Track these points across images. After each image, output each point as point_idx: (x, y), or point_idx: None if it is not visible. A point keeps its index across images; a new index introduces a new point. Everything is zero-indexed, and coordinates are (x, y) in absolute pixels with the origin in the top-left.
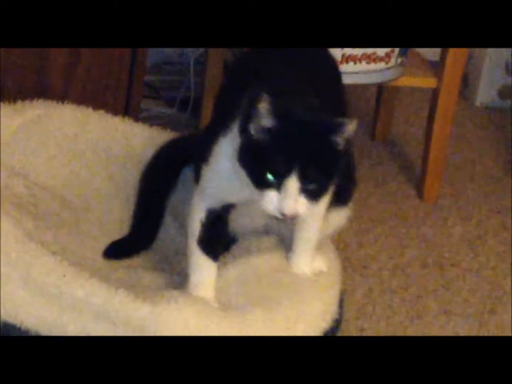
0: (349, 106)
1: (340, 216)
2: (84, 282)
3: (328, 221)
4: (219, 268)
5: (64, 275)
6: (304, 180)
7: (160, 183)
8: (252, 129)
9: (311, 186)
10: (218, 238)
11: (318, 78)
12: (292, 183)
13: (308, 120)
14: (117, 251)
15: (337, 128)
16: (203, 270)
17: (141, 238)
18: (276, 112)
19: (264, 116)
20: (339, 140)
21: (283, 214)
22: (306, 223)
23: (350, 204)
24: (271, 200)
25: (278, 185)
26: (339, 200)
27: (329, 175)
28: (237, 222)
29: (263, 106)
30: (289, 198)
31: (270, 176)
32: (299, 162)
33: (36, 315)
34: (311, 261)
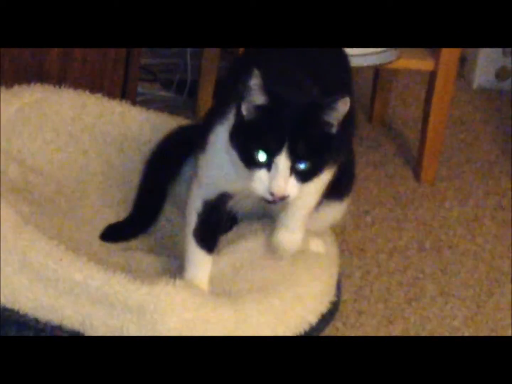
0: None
1: (336, 210)
2: (82, 266)
3: (323, 215)
4: (214, 256)
5: (61, 259)
6: (295, 158)
7: (163, 170)
8: (244, 108)
9: (302, 166)
10: (214, 230)
11: (324, 67)
12: (282, 161)
13: (299, 98)
14: (114, 234)
15: (328, 106)
16: (198, 263)
17: (139, 221)
18: (267, 88)
19: (255, 93)
20: (332, 120)
21: (272, 194)
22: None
23: (347, 199)
24: (260, 180)
25: (268, 165)
26: (336, 194)
27: (321, 156)
28: (238, 205)
29: (254, 82)
30: (278, 177)
31: (260, 155)
32: (289, 139)
33: (33, 299)
34: (296, 238)
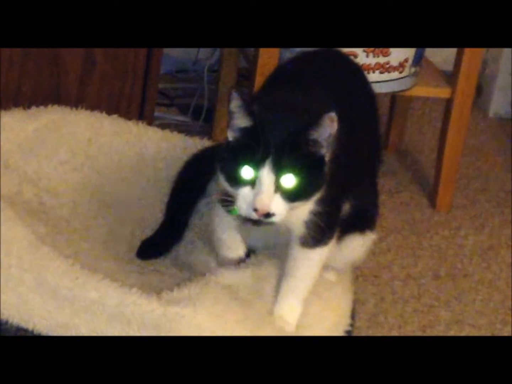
0: None
1: (358, 244)
2: (98, 284)
3: (342, 250)
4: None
5: (77, 278)
6: (278, 172)
7: (191, 186)
8: (229, 134)
9: (288, 184)
10: None
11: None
12: (266, 175)
13: (283, 116)
14: (149, 250)
15: (313, 122)
16: (229, 228)
17: (171, 235)
18: (248, 109)
19: (238, 116)
20: (319, 138)
21: (255, 210)
22: (298, 268)
23: (371, 233)
24: (244, 197)
25: (253, 183)
26: (359, 225)
27: (308, 175)
28: (252, 239)
29: (235, 105)
30: (262, 192)
31: (244, 172)
32: (274, 153)
33: (48, 318)
34: (296, 310)
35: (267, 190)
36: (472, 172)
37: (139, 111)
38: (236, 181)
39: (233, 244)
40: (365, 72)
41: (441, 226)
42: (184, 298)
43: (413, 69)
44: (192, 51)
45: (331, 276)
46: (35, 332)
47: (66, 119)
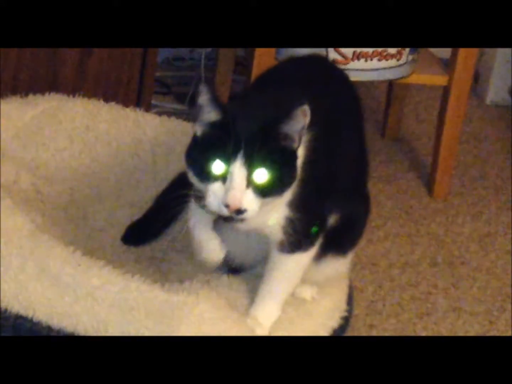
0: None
1: (334, 267)
2: (100, 271)
3: (323, 269)
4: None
5: (79, 265)
6: (250, 166)
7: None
8: (198, 129)
9: (260, 179)
10: None
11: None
12: (237, 170)
13: (254, 111)
14: (135, 236)
15: (286, 116)
16: (206, 228)
17: (156, 223)
18: (218, 102)
19: (206, 109)
20: (291, 132)
21: (227, 205)
22: (276, 271)
23: (350, 255)
24: (215, 193)
25: (223, 178)
26: (337, 247)
27: (280, 171)
28: (237, 254)
29: (204, 98)
30: (233, 187)
31: (215, 166)
32: (245, 146)
33: (48, 305)
34: (272, 313)
35: (239, 185)
36: (469, 160)
37: (136, 99)
38: (206, 176)
39: (210, 245)
40: (363, 60)
41: (439, 213)
42: (186, 288)
43: (410, 57)
44: None
45: (309, 292)
46: (35, 320)
47: (63, 107)
